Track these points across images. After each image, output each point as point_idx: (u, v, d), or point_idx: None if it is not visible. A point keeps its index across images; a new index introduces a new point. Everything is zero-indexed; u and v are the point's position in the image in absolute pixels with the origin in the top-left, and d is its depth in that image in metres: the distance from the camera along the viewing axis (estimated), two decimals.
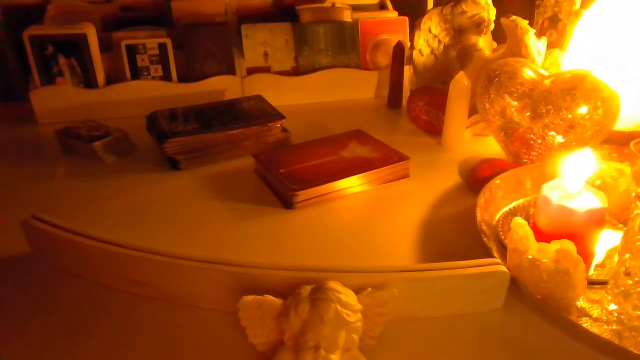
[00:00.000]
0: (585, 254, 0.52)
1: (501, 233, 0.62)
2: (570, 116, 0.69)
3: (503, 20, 0.85)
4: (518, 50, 0.84)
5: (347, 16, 1.10)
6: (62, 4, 1.04)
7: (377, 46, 1.10)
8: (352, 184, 0.72)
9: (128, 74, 0.99)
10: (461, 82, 0.80)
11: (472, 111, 0.84)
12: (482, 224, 0.60)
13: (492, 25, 0.92)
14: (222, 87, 1.02)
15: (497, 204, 0.67)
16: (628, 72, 0.77)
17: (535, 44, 0.85)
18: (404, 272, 0.48)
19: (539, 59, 0.87)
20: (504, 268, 0.49)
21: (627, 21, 0.78)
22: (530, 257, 0.51)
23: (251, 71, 1.05)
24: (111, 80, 0.99)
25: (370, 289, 0.44)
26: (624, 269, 0.48)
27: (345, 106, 1.07)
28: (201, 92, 1.00)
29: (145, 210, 0.69)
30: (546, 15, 1.03)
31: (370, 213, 0.69)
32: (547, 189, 0.56)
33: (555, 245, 0.50)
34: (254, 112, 0.87)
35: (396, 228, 0.65)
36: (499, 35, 0.94)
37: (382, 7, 1.18)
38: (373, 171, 0.73)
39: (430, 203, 0.70)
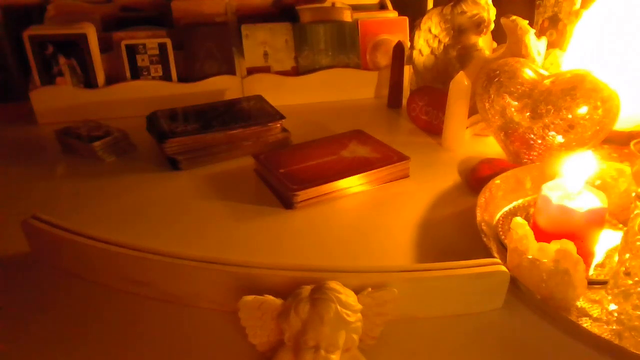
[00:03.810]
0: (585, 254, 0.52)
1: (501, 233, 0.62)
2: (570, 116, 0.69)
3: (503, 20, 0.84)
4: (518, 50, 0.84)
5: (347, 16, 1.10)
6: (62, 4, 1.04)
7: (377, 46, 1.10)
8: (352, 184, 0.72)
9: (128, 74, 0.99)
10: (461, 82, 0.80)
11: (472, 111, 0.84)
12: (482, 224, 0.60)
13: (492, 25, 0.92)
14: (222, 87, 1.02)
15: (497, 204, 0.67)
16: (628, 72, 0.77)
17: (535, 44, 0.85)
18: (404, 272, 0.48)
19: (539, 59, 0.87)
20: (504, 268, 0.49)
21: (627, 21, 0.78)
22: (530, 257, 0.51)
23: (251, 71, 1.05)
24: (111, 80, 0.99)
25: (370, 289, 0.44)
26: (624, 269, 0.48)
27: (345, 106, 1.07)
28: (201, 92, 1.00)
29: (145, 210, 0.69)
30: (546, 15, 1.03)
31: (370, 213, 0.69)
32: (547, 189, 0.56)
33: (555, 245, 0.50)
34: (254, 112, 0.87)
35: (396, 228, 0.65)
36: (499, 35, 0.94)
37: (382, 7, 1.18)
38: (373, 171, 0.73)
39: (430, 203, 0.70)
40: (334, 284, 0.42)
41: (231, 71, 1.03)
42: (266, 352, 0.45)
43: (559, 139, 0.71)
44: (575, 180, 0.55)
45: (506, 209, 0.67)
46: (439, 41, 0.95)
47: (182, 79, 1.02)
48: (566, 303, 0.50)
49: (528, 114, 0.73)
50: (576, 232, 0.53)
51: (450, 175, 0.78)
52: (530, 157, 0.75)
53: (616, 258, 0.50)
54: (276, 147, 0.85)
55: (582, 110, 0.68)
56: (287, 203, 0.69)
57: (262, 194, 0.73)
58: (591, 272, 0.55)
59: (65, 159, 0.84)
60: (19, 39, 0.93)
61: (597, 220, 0.54)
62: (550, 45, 0.99)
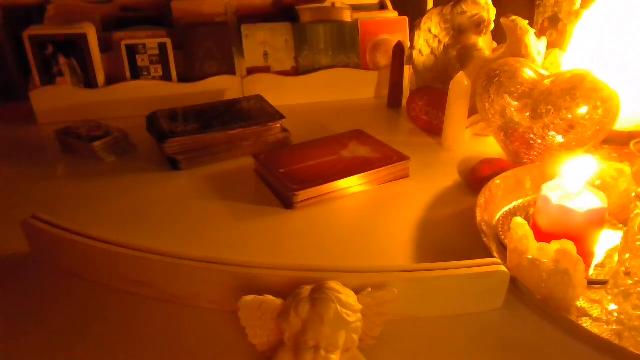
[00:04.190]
0: (585, 254, 0.52)
1: (501, 233, 0.62)
2: (570, 116, 0.69)
3: (503, 20, 0.85)
4: (518, 50, 0.84)
5: (347, 16, 1.10)
6: (62, 4, 1.04)
7: (377, 46, 1.10)
8: (352, 184, 0.72)
9: (128, 74, 0.99)
10: (461, 82, 0.80)
11: (472, 111, 0.84)
12: (482, 224, 0.60)
13: (492, 25, 0.92)
14: (222, 87, 1.02)
15: (497, 204, 0.67)
16: (628, 72, 0.77)
17: (535, 44, 0.85)
18: (404, 272, 0.48)
19: (539, 59, 0.87)
20: (504, 268, 0.49)
21: (627, 21, 0.78)
22: (530, 257, 0.51)
23: (251, 71, 1.05)
24: (111, 80, 0.99)
25: (370, 289, 0.44)
26: (624, 269, 0.48)
27: (345, 106, 1.07)
28: (201, 92, 1.00)
29: (145, 210, 0.69)
30: (546, 15, 1.03)
31: (370, 213, 0.69)
32: (547, 189, 0.56)
33: (555, 245, 0.50)
34: (254, 112, 0.87)
35: (396, 228, 0.65)
36: (499, 35, 0.94)
37: (382, 7, 1.18)
38: (373, 171, 0.73)
39: (430, 203, 0.70)
40: (334, 284, 0.42)
41: (231, 71, 1.03)
42: (266, 352, 0.45)
43: (559, 139, 0.71)
44: (575, 181, 0.55)
45: (506, 209, 0.67)
46: (439, 41, 0.95)
47: (182, 79, 1.02)
48: (566, 303, 0.50)
49: (528, 114, 0.73)
50: (576, 232, 0.53)
51: (450, 175, 0.78)
52: (530, 157, 0.75)
53: (616, 258, 0.50)
54: (276, 147, 0.85)
55: (582, 110, 0.68)
56: (287, 203, 0.69)
57: (262, 194, 0.73)
58: (591, 272, 0.55)
59: (65, 159, 0.84)
60: (19, 39, 0.93)
61: (597, 220, 0.54)
62: (550, 45, 0.99)
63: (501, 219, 0.65)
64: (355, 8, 1.13)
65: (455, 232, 0.64)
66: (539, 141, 0.73)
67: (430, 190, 0.73)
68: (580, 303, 0.50)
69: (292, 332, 0.42)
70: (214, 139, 0.81)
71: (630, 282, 0.48)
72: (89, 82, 0.97)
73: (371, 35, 1.09)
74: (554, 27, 1.01)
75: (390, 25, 1.10)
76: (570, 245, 0.50)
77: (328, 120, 0.98)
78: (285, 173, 0.71)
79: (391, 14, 1.15)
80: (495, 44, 1.04)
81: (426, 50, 0.97)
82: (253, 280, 0.47)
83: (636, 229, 0.47)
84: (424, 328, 0.49)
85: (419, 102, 0.94)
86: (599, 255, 0.58)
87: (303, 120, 0.96)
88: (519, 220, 0.53)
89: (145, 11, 1.10)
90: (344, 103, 1.08)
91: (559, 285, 0.49)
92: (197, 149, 0.80)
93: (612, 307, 0.49)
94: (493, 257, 0.54)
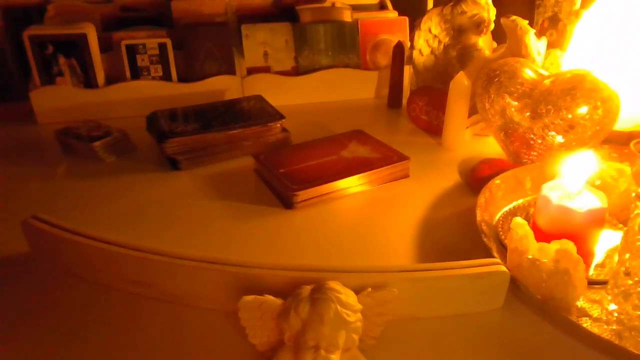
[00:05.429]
0: (585, 254, 0.52)
1: (501, 233, 0.62)
2: (570, 116, 0.69)
3: (503, 20, 0.84)
4: (518, 50, 0.84)
5: (347, 16, 1.10)
6: (62, 4, 1.04)
7: (377, 46, 1.10)
8: (352, 184, 0.72)
9: (128, 74, 0.99)
10: (461, 82, 0.80)
11: (472, 111, 0.84)
12: (482, 224, 0.60)
13: (492, 25, 0.92)
14: (222, 87, 1.02)
15: (497, 204, 0.67)
16: (628, 72, 0.77)
17: (535, 44, 0.85)
18: (404, 272, 0.48)
19: (539, 59, 0.87)
20: (504, 268, 0.49)
21: (627, 21, 0.78)
22: (530, 257, 0.51)
23: (251, 71, 1.05)
24: (111, 80, 0.99)
25: (370, 289, 0.44)
26: (624, 269, 0.48)
27: (345, 106, 1.07)
28: (201, 92, 1.00)
29: (145, 210, 0.69)
30: (546, 15, 1.03)
31: (370, 213, 0.69)
32: (547, 189, 0.56)
33: (555, 245, 0.50)
34: (254, 112, 0.87)
35: (396, 228, 0.65)
36: (499, 35, 0.94)
37: (382, 7, 1.18)
38: (373, 171, 0.73)
39: (430, 203, 0.70)
40: (334, 284, 0.42)
41: (231, 71, 1.03)
42: (266, 352, 0.45)
43: (559, 139, 0.71)
44: (575, 180, 0.55)
45: (506, 209, 0.67)
46: (439, 41, 0.95)
47: (182, 79, 1.02)
48: (566, 303, 0.50)
49: (528, 114, 0.73)
50: (576, 232, 0.53)
51: (450, 175, 0.78)
52: (530, 157, 0.75)
53: (616, 258, 0.50)
54: (276, 147, 0.85)
55: (582, 110, 0.68)
56: (287, 203, 0.69)
57: (262, 194, 0.73)
58: (591, 272, 0.55)
59: (65, 159, 0.84)
60: (19, 39, 0.93)
61: (597, 220, 0.54)
62: (550, 45, 0.99)
63: (501, 219, 0.65)
64: (355, 8, 1.13)
65: (455, 232, 0.64)
66: (539, 141, 0.73)
67: (430, 190, 0.73)
68: (580, 303, 0.50)
69: (292, 332, 0.42)
70: (214, 139, 0.81)
71: (630, 282, 0.48)
72: (89, 82, 0.97)
73: (371, 35, 1.09)
74: (554, 27, 1.01)
75: (390, 25, 1.10)
76: (570, 245, 0.50)
77: (328, 120, 0.98)
78: (285, 173, 0.71)
79: (391, 14, 1.15)
80: (495, 44, 1.04)
81: (426, 50, 0.97)
82: (253, 280, 0.47)
83: (636, 229, 0.47)
84: (424, 328, 0.49)
85: (419, 102, 0.94)
86: (599, 255, 0.58)
87: (303, 120, 0.96)
88: (519, 220, 0.53)
89: (145, 11, 1.10)
90: (344, 103, 1.08)
91: (559, 285, 0.49)
92: (197, 149, 0.80)
93: (612, 307, 0.49)
94: (493, 257, 0.54)
